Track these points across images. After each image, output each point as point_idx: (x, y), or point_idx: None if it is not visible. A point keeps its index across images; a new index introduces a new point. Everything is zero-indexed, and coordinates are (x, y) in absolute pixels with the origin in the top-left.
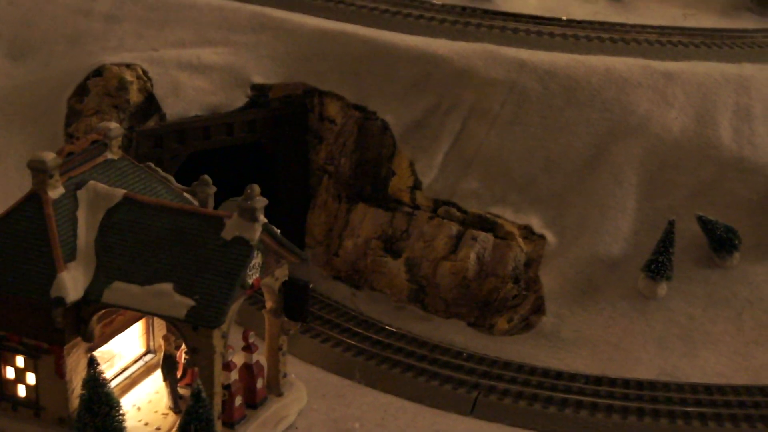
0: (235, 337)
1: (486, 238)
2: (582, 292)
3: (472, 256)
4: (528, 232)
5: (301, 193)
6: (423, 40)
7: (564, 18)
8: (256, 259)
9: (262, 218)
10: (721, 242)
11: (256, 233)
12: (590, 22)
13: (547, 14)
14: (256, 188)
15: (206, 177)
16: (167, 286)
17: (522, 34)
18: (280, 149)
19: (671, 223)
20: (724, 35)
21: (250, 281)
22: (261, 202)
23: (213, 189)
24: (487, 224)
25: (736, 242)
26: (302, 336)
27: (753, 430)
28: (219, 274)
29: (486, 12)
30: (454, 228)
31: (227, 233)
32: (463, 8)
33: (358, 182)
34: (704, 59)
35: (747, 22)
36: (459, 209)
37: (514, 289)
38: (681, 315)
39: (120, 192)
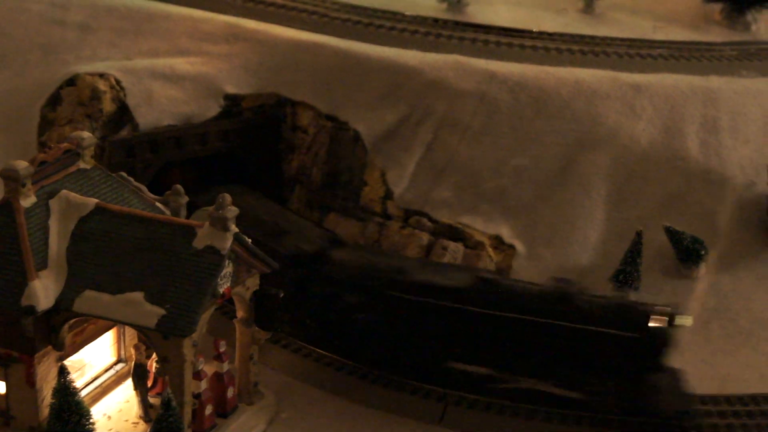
0: (206, 346)
1: (456, 248)
2: None
3: None
4: (498, 242)
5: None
6: (395, 52)
7: (535, 30)
8: (227, 269)
9: (234, 228)
10: (687, 253)
11: (228, 243)
12: (560, 35)
13: (518, 26)
14: (228, 198)
15: (178, 186)
16: (138, 295)
17: (493, 46)
18: (253, 159)
19: (639, 234)
20: (692, 48)
21: (221, 290)
22: (232, 211)
23: (185, 199)
24: (458, 234)
25: (703, 253)
26: (273, 345)
27: None
28: (190, 284)
29: (457, 24)
30: (425, 238)
31: (198, 242)
32: (435, 20)
33: (329, 192)
34: (673, 72)
35: (716, 35)
36: (430, 219)
37: None
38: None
39: (92, 201)
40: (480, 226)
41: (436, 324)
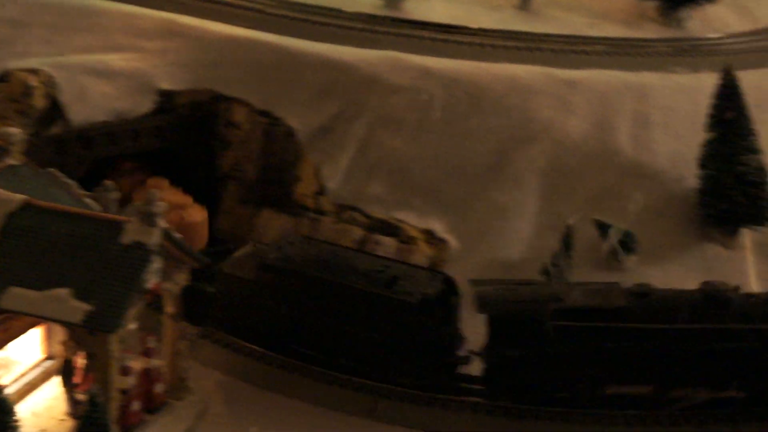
0: (135, 342)
1: (389, 242)
2: None
3: None
4: (431, 236)
5: (208, 198)
6: (330, 48)
7: (473, 27)
8: (156, 264)
9: (162, 223)
10: (618, 246)
11: (155, 238)
12: (496, 31)
13: (455, 23)
14: (155, 193)
15: (109, 182)
16: (64, 291)
17: (428, 42)
18: (187, 155)
19: (569, 228)
20: (626, 44)
21: (149, 286)
22: (160, 207)
23: (116, 194)
24: (391, 229)
25: (633, 246)
26: (203, 340)
27: None
28: (117, 279)
29: (393, 20)
30: (358, 233)
31: (126, 238)
32: (371, 16)
33: (263, 188)
34: (606, 68)
35: (650, 32)
36: (363, 214)
37: None
38: None
39: (20, 197)
40: (413, 220)
41: (597, 348)
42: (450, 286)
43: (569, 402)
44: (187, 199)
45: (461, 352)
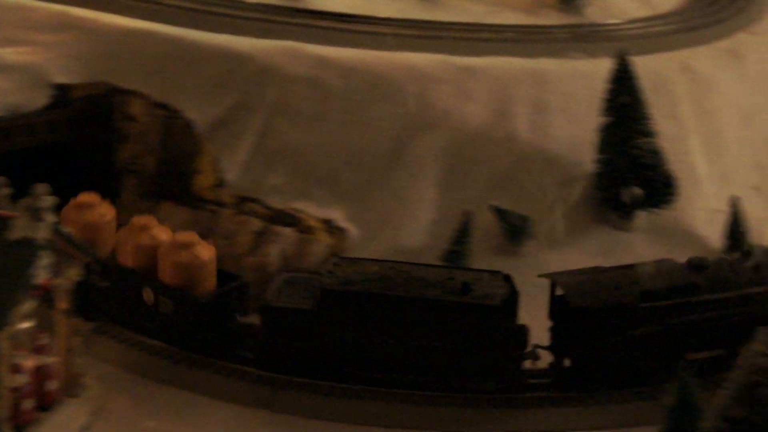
0: (26, 339)
1: (289, 233)
2: None
3: (275, 251)
4: (330, 225)
5: (106, 193)
6: (228, 39)
7: (370, 16)
8: (45, 260)
9: (51, 218)
10: (514, 231)
11: (43, 233)
12: (395, 20)
13: (355, 12)
14: (42, 187)
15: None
16: None
17: (327, 32)
18: (84, 150)
19: (467, 214)
20: (524, 31)
21: (38, 282)
22: (48, 201)
23: (7, 191)
24: (290, 219)
25: (529, 230)
26: (98, 336)
27: None
28: (4, 276)
29: (292, 10)
30: (257, 224)
31: (13, 233)
32: (270, 6)
33: (162, 181)
34: (505, 55)
35: (549, 18)
36: (263, 205)
37: None
38: None
39: None
40: (313, 210)
41: (677, 323)
42: (510, 284)
43: (647, 379)
44: (194, 236)
45: (530, 348)
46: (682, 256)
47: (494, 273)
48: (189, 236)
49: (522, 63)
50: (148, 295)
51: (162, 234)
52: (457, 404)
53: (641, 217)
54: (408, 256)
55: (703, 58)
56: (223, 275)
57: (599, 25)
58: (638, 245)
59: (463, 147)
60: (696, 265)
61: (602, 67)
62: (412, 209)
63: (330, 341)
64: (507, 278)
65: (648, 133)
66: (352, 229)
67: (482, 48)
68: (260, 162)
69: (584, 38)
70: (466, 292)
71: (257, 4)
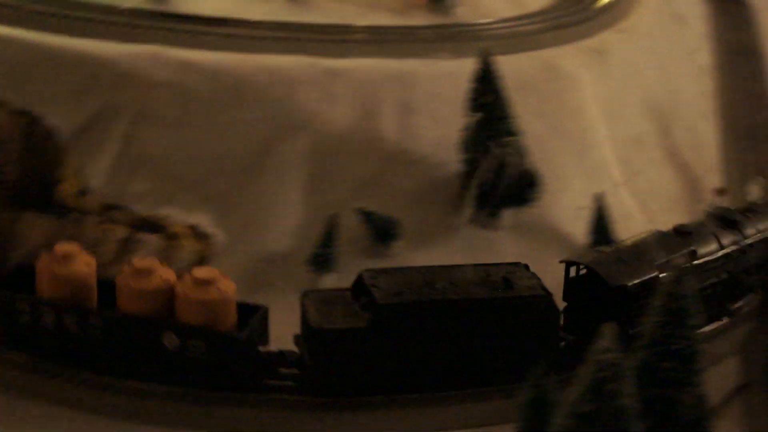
0: None
1: (154, 240)
2: (251, 288)
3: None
4: (197, 231)
5: None
6: (91, 44)
7: (235, 18)
8: None
9: None
10: (381, 232)
11: None
12: (260, 22)
13: (223, 15)
14: None
15: None
16: None
17: (191, 36)
18: None
19: (333, 217)
20: (391, 32)
21: None
22: None
23: None
24: (156, 226)
25: (396, 232)
26: None
27: None
28: None
29: (156, 14)
30: (122, 231)
31: None
32: (133, 10)
33: (25, 190)
34: (371, 56)
35: (417, 19)
36: (128, 212)
37: None
38: None
39: None
40: (179, 216)
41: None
42: (533, 273)
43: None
44: (215, 272)
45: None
46: (548, 253)
47: (516, 264)
48: (209, 272)
49: (388, 64)
50: (171, 340)
51: (166, 274)
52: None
53: (507, 216)
54: (274, 260)
55: (568, 56)
56: (239, 306)
57: (467, 25)
58: (505, 243)
59: (330, 149)
60: (681, 232)
61: (468, 67)
62: (278, 213)
63: (386, 355)
64: (527, 267)
65: (512, 132)
66: (219, 234)
67: (348, 50)
68: (125, 168)
69: (451, 38)
70: (510, 286)
71: (120, 8)
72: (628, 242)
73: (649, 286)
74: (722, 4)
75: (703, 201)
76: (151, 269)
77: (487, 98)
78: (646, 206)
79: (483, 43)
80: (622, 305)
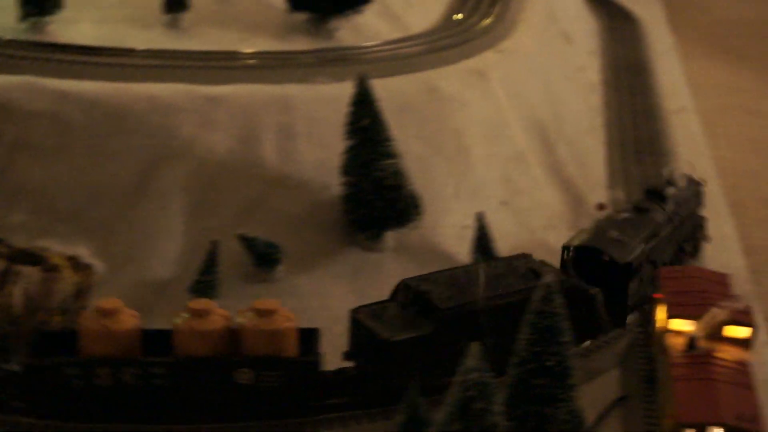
0: None
1: (33, 272)
2: None
3: (18, 291)
4: (76, 262)
5: None
6: None
7: (114, 47)
8: None
9: None
10: (262, 258)
11: None
12: (139, 51)
13: (104, 44)
14: None
15: None
16: None
17: (68, 65)
18: None
19: (214, 243)
20: (271, 57)
21: None
22: None
23: None
24: (34, 258)
25: (278, 256)
26: None
27: None
28: None
29: (33, 44)
30: (0, 264)
31: None
32: (8, 41)
33: None
34: (250, 82)
35: (300, 44)
36: (5, 244)
37: (63, 321)
38: None
39: None
40: (58, 247)
41: None
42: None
43: None
44: (276, 303)
45: None
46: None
47: (524, 256)
48: (271, 304)
49: (268, 89)
50: (244, 374)
51: (221, 311)
52: None
53: (390, 237)
54: (156, 288)
55: (449, 78)
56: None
57: (347, 48)
58: (389, 264)
59: (210, 176)
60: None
61: (348, 91)
62: (159, 241)
63: (446, 357)
64: (530, 256)
65: (390, 155)
66: (99, 265)
67: (228, 76)
68: (1, 200)
69: (332, 62)
70: (538, 276)
71: None
72: (604, 220)
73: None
74: (611, 21)
75: (588, 216)
76: (207, 310)
77: (365, 122)
78: (527, 223)
79: (364, 66)
80: (627, 279)
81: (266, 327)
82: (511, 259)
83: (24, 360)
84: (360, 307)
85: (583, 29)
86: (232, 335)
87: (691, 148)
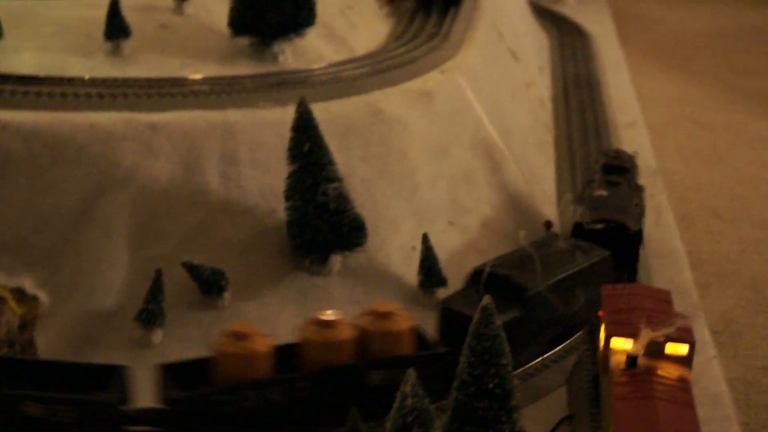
0: None
1: None
2: (79, 348)
3: None
4: (21, 294)
5: None
6: None
7: (53, 77)
8: None
9: None
10: (208, 285)
11: None
12: (78, 79)
13: (45, 72)
14: None
15: None
16: None
17: (8, 95)
18: None
19: (158, 272)
20: (212, 83)
21: None
22: None
23: None
24: None
25: (224, 283)
26: None
27: None
28: None
29: None
30: None
31: None
32: None
33: None
34: (192, 109)
35: (244, 69)
36: None
37: (9, 353)
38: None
39: None
40: (2, 279)
41: None
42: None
43: None
44: (395, 306)
45: None
46: (381, 295)
47: (556, 235)
48: (389, 306)
49: (209, 116)
50: (375, 376)
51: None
52: None
53: (336, 260)
54: (102, 318)
55: (394, 99)
56: None
57: (290, 72)
58: (336, 288)
59: (154, 204)
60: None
61: (291, 115)
62: (104, 270)
63: (533, 336)
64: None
65: (333, 179)
66: (43, 296)
67: (169, 103)
68: None
69: (275, 86)
70: (586, 251)
71: None
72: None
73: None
74: (561, 36)
75: (537, 233)
76: (335, 321)
77: (306, 147)
78: (475, 243)
79: (308, 89)
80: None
81: (389, 329)
82: (549, 240)
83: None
84: (446, 297)
85: (532, 46)
86: (360, 341)
87: (641, 162)
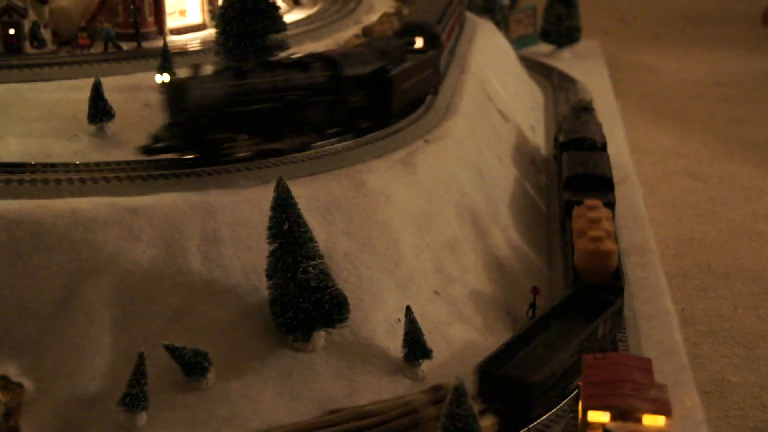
0: None
1: None
2: None
3: None
4: (6, 382)
5: None
6: None
7: (33, 163)
8: None
9: None
10: (191, 366)
11: None
12: (60, 165)
13: (27, 159)
14: None
15: None
16: None
17: None
18: None
19: (141, 355)
20: (192, 164)
21: None
22: None
23: None
24: None
25: (206, 364)
26: None
27: None
28: None
29: None
30: None
31: None
32: None
33: None
34: (172, 190)
35: None
36: None
37: None
38: None
39: None
40: None
41: None
42: None
43: None
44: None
45: None
46: (366, 369)
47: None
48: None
49: (190, 197)
50: None
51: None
52: None
53: (319, 337)
54: (86, 403)
55: (377, 170)
56: None
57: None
58: (321, 364)
59: (136, 287)
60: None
61: (272, 192)
62: (87, 355)
63: None
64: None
65: (313, 257)
66: (28, 383)
67: (149, 186)
68: None
69: (255, 165)
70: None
71: None
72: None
73: None
74: (555, 92)
75: (524, 300)
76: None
77: (285, 226)
78: (461, 311)
79: (288, 166)
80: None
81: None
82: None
83: None
84: None
85: (524, 105)
86: None
87: (633, 219)
